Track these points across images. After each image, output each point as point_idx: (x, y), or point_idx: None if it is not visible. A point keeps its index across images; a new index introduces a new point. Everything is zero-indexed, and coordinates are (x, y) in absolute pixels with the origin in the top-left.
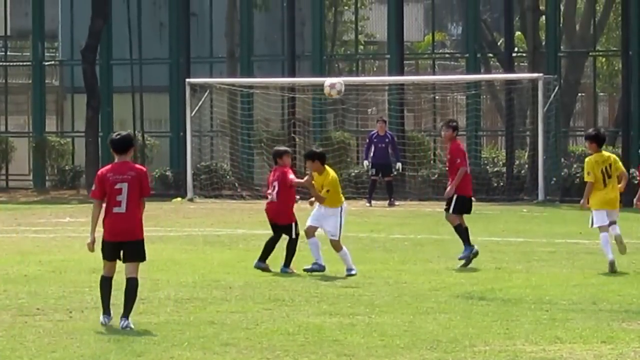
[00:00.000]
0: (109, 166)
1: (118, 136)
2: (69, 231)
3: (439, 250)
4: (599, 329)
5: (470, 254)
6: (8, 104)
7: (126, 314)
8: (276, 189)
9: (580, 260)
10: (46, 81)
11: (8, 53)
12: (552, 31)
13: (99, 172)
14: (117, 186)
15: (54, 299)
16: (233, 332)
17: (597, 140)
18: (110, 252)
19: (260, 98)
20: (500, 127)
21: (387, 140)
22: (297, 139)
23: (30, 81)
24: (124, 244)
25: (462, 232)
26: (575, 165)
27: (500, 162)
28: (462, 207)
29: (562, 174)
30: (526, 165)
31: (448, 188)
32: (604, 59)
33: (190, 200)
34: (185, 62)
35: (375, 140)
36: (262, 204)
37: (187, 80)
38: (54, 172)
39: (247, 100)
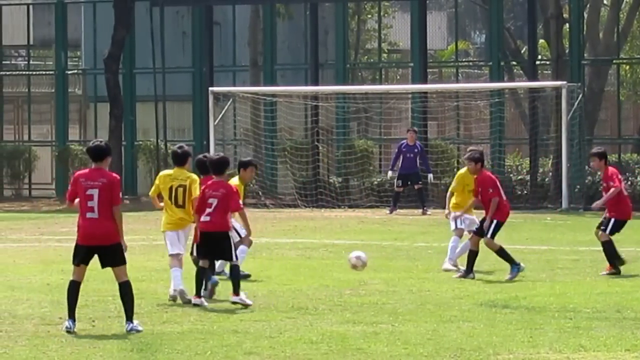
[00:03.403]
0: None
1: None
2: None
3: (463, 259)
4: (623, 337)
5: (517, 273)
6: (31, 113)
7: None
8: None
9: (605, 268)
10: (69, 90)
11: (31, 62)
12: (576, 39)
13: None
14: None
15: (77, 308)
16: (256, 341)
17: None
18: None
19: (284, 106)
20: (523, 135)
21: (416, 150)
22: (320, 148)
23: (53, 90)
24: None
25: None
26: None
27: (524, 170)
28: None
29: (586, 181)
30: (550, 174)
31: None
32: (627, 67)
33: None
34: (208, 71)
35: (404, 149)
36: (286, 213)
37: (211, 89)
38: None
39: (271, 109)
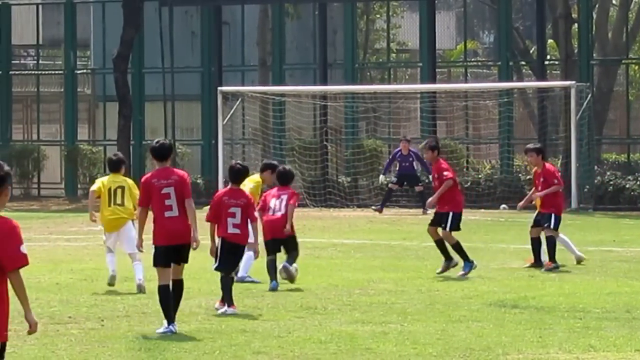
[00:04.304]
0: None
1: (157, 144)
2: (100, 239)
3: (472, 258)
4: (633, 337)
5: (470, 270)
6: (40, 112)
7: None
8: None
9: (614, 268)
10: (78, 90)
11: (40, 62)
12: (585, 39)
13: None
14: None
15: (86, 307)
16: (265, 340)
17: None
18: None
19: (292, 106)
20: (532, 135)
21: (410, 159)
22: (329, 147)
23: (62, 90)
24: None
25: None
26: (608, 173)
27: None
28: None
29: (595, 181)
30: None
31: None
32: (636, 67)
33: None
34: (217, 71)
35: (399, 159)
36: (294, 212)
37: (219, 88)
38: (85, 180)
39: (279, 109)
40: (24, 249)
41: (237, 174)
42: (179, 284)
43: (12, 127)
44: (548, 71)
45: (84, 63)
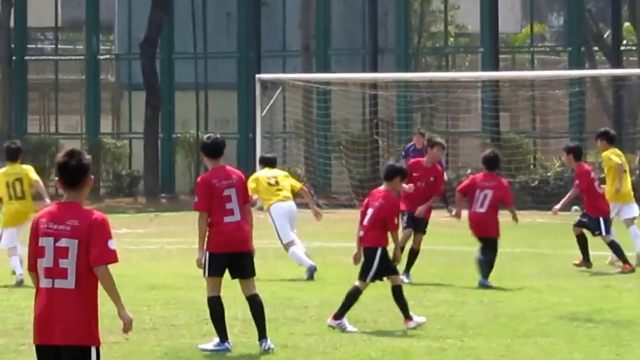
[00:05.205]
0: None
1: (209, 139)
2: (125, 243)
3: (539, 266)
4: None
5: None
6: (59, 102)
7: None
8: None
9: None
10: (101, 77)
11: (59, 46)
12: None
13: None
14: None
15: (109, 319)
16: (308, 356)
17: (608, 138)
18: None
19: (339, 96)
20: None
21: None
22: (379, 142)
23: (83, 77)
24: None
25: None
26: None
27: None
28: None
29: None
30: (637, 171)
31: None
32: None
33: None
34: (255, 57)
35: (412, 154)
36: (341, 214)
37: (258, 76)
38: (109, 177)
39: (324, 99)
40: (112, 244)
41: (390, 172)
42: (255, 300)
43: (28, 118)
44: (624, 57)
45: (107, 48)
